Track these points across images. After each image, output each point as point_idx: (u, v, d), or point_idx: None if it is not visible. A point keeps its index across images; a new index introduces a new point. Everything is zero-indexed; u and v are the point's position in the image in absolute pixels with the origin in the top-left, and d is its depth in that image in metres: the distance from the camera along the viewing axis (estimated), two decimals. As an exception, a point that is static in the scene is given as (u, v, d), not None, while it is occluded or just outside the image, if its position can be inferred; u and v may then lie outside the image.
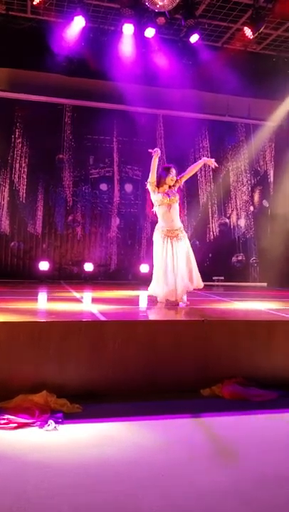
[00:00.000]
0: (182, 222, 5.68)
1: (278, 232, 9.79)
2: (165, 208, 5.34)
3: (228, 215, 10.32)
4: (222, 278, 9.95)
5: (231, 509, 2.12)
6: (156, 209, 5.43)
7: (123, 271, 9.59)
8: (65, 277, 9.20)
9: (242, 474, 2.43)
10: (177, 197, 5.41)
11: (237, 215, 10.35)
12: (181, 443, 2.87)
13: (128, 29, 7.78)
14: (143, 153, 9.70)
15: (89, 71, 8.27)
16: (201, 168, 10.10)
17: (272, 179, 10.46)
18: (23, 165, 9.22)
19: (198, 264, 10.21)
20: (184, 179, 5.63)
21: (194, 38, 8.08)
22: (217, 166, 5.83)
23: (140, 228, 9.73)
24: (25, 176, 9.22)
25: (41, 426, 2.94)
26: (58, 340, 3.56)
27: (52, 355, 3.51)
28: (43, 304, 6.03)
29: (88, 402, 3.32)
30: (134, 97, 8.83)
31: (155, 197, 5.37)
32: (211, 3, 7.69)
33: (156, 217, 5.48)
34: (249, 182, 10.43)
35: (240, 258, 10.25)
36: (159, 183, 5.39)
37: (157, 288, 5.32)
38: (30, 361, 3.46)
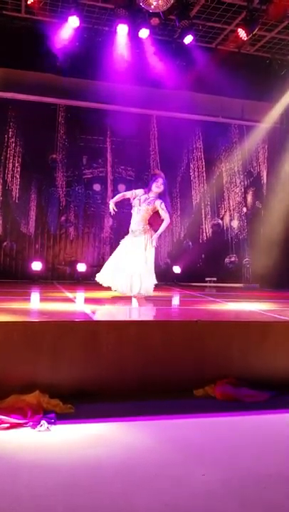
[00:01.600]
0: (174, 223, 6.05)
1: (271, 234, 9.83)
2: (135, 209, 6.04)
3: (221, 216, 10.35)
4: (215, 279, 9.97)
5: (223, 509, 2.12)
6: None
7: (116, 271, 9.56)
8: (58, 277, 9.18)
9: (235, 474, 2.43)
10: (150, 207, 5.98)
11: (230, 216, 10.38)
12: (174, 443, 2.87)
13: (122, 30, 7.79)
14: (136, 153, 9.82)
15: (83, 71, 8.28)
16: (193, 169, 10.21)
17: (265, 180, 10.51)
18: (16, 165, 9.19)
19: (191, 265, 10.30)
20: (158, 207, 6.06)
21: (188, 39, 8.11)
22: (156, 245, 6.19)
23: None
24: (18, 176, 9.19)
25: (34, 426, 2.92)
26: (51, 340, 3.55)
27: (45, 355, 3.50)
28: (36, 304, 6.01)
29: (81, 402, 3.31)
30: (128, 97, 8.85)
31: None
32: (206, 4, 7.71)
33: (151, 220, 6.01)
34: (242, 183, 10.47)
35: (232, 259, 10.28)
36: (149, 189, 6.03)
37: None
38: (23, 361, 3.44)
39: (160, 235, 6.06)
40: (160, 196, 6.09)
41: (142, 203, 6.03)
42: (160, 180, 6.10)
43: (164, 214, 6.06)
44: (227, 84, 8.51)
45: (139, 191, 6.15)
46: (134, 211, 6.07)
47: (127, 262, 5.86)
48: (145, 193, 6.10)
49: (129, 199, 6.15)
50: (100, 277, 5.98)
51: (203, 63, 8.56)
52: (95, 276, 9.29)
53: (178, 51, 8.49)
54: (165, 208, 6.05)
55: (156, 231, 5.95)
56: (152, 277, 5.90)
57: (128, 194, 6.16)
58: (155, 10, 7.17)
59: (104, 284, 5.94)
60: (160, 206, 6.02)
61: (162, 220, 6.01)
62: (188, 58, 8.56)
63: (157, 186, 6.07)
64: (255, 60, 9.12)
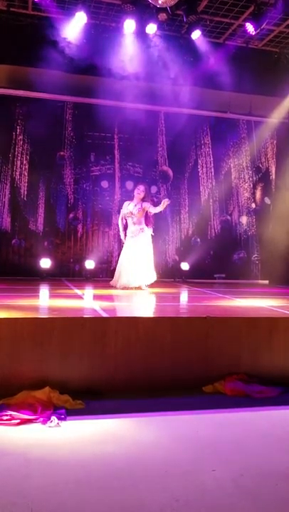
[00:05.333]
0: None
1: (280, 230, 9.76)
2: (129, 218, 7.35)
3: (229, 212, 10.30)
4: (223, 275, 9.93)
5: (234, 505, 2.11)
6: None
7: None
8: (67, 275, 9.19)
9: (246, 470, 2.43)
10: (140, 211, 7.26)
11: (239, 212, 10.31)
12: (184, 439, 2.87)
13: (129, 25, 7.75)
14: (144, 150, 9.78)
15: (90, 68, 8.25)
16: (201, 165, 10.16)
17: (274, 176, 10.43)
18: (24, 162, 9.20)
19: (199, 262, 10.50)
20: (147, 208, 7.25)
21: (196, 35, 8.06)
22: (169, 202, 7.30)
23: (141, 225, 9.71)
24: (26, 174, 9.19)
25: (44, 422, 2.94)
26: (61, 336, 3.56)
27: (54, 351, 3.51)
28: (45, 300, 6.03)
29: (90, 398, 3.32)
30: (136, 93, 8.80)
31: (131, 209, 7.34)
32: (213, -2, 7.66)
33: (153, 219, 7.45)
34: (251, 179, 10.40)
35: (241, 255, 10.22)
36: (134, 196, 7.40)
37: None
38: (33, 357, 3.46)
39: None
40: (144, 200, 7.25)
41: (133, 209, 7.24)
42: (141, 187, 7.34)
43: (156, 209, 7.18)
44: (235, 79, 8.47)
45: (126, 204, 7.42)
46: (129, 220, 7.32)
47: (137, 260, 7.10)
48: (132, 202, 7.34)
49: (128, 217, 7.31)
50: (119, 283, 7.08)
51: (211, 58, 8.52)
52: (103, 273, 9.40)
53: (185, 47, 8.44)
54: (153, 207, 7.24)
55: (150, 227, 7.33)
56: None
57: (124, 214, 7.34)
58: (162, 5, 7.13)
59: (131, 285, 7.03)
60: (149, 209, 7.20)
61: (150, 219, 7.36)
62: (195, 54, 8.51)
63: (138, 192, 7.29)
64: (263, 54, 9.05)
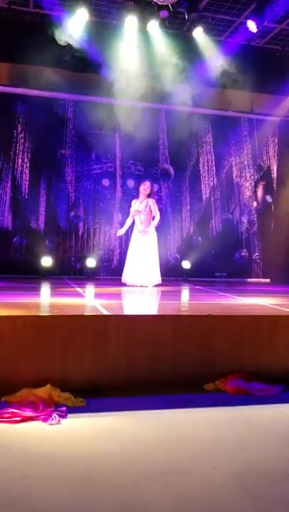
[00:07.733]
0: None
1: (282, 228, 9.76)
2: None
3: (231, 210, 10.28)
4: (224, 274, 9.92)
5: (236, 503, 2.11)
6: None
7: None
8: (68, 273, 9.19)
9: (247, 468, 2.42)
10: (147, 208, 7.45)
11: (240, 210, 10.31)
12: (185, 437, 2.86)
13: (131, 23, 7.74)
14: (145, 148, 9.78)
15: (91, 65, 8.24)
16: (203, 164, 10.14)
17: (275, 174, 10.42)
18: (26, 160, 9.19)
19: (200, 260, 10.52)
20: (152, 207, 7.47)
21: (197, 32, 8.05)
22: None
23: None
24: (27, 172, 9.19)
25: (45, 420, 2.93)
26: (62, 334, 3.55)
27: (56, 349, 3.50)
28: (47, 298, 6.02)
29: (92, 396, 3.31)
30: (137, 91, 8.79)
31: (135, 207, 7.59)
32: (215, -4, 7.65)
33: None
34: (252, 177, 10.38)
35: (243, 254, 10.21)
36: (138, 193, 7.63)
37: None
38: (34, 355, 3.45)
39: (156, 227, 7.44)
40: (150, 196, 7.39)
41: (140, 207, 7.35)
42: (147, 183, 7.52)
43: (154, 210, 7.36)
44: (236, 77, 8.45)
45: (134, 202, 7.54)
46: (136, 218, 7.42)
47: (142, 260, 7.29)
48: (138, 199, 7.48)
49: (135, 215, 7.46)
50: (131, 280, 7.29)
51: (213, 56, 8.50)
52: (104, 272, 9.40)
53: (187, 44, 8.43)
54: (156, 206, 7.40)
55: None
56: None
57: (131, 214, 7.47)
58: (164, 2, 7.13)
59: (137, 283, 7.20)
60: (153, 203, 7.35)
61: (154, 217, 7.40)
62: (197, 51, 8.50)
63: (144, 188, 7.44)
64: (265, 52, 9.04)
